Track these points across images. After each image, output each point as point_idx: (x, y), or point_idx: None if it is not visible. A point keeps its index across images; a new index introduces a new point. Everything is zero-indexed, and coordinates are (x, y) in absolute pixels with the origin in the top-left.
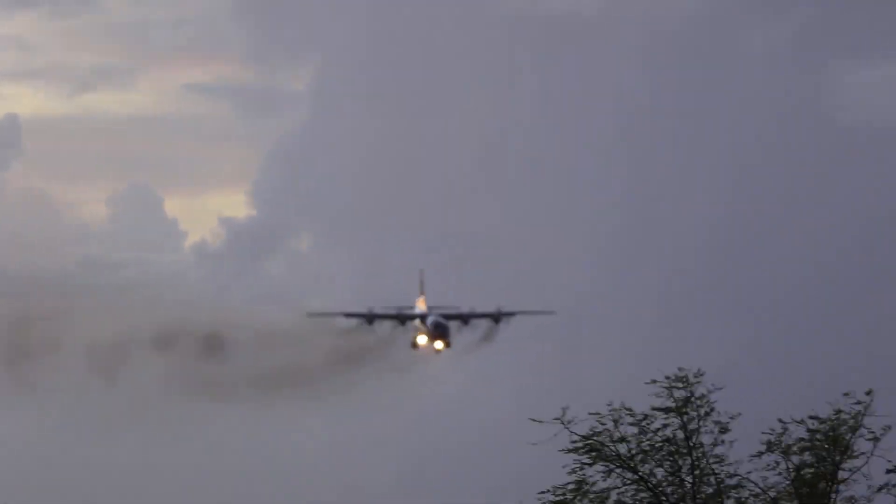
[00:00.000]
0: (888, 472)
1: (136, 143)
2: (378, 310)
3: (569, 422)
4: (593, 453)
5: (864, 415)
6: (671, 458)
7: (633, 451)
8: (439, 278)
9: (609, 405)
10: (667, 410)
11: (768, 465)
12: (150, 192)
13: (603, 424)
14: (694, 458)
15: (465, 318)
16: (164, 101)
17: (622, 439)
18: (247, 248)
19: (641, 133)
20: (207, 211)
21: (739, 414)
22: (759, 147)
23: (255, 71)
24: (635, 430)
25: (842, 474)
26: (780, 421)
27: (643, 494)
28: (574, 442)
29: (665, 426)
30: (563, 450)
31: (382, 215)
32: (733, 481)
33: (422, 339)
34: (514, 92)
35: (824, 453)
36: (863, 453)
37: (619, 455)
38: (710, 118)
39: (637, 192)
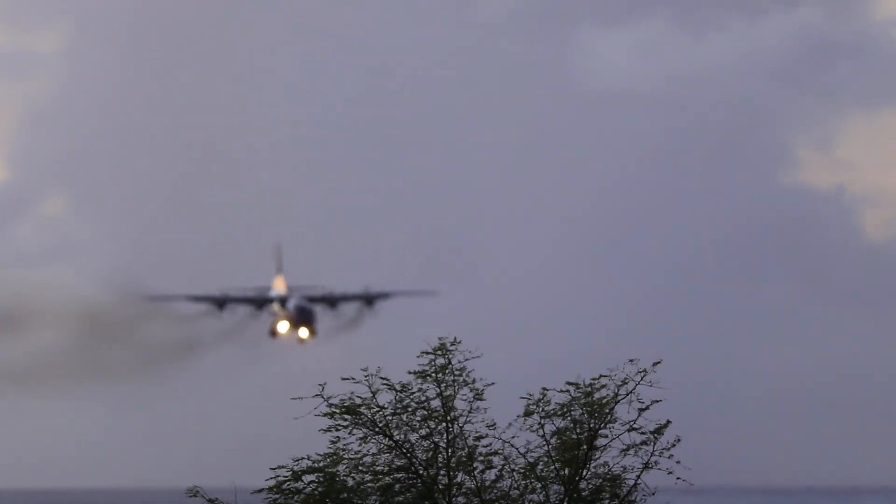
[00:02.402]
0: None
1: None
2: (230, 292)
3: (329, 397)
4: (349, 417)
5: (626, 384)
6: (426, 424)
7: (389, 418)
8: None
9: (364, 370)
10: (423, 376)
11: (529, 429)
12: None
13: (362, 395)
14: (448, 424)
15: (333, 301)
16: None
17: (380, 407)
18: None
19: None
20: None
21: (493, 383)
22: (507, 112)
23: (7, 32)
24: (391, 397)
25: (602, 441)
26: (544, 389)
27: (398, 461)
28: (331, 406)
29: (420, 391)
30: (318, 414)
31: (151, 181)
32: (488, 446)
33: (282, 327)
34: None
35: (583, 419)
36: (629, 421)
37: (374, 421)
38: (459, 83)
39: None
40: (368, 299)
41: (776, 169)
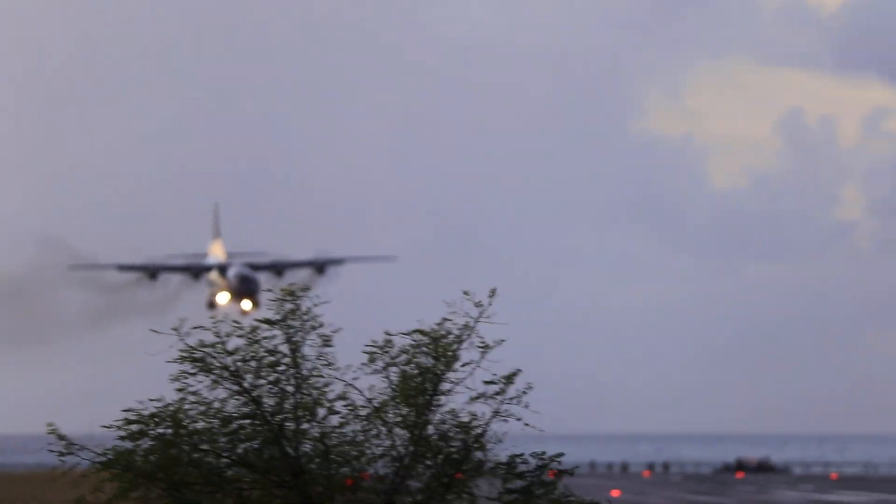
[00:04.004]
0: (485, 382)
1: None
2: (163, 260)
3: (186, 334)
4: (199, 364)
5: (468, 326)
6: (275, 370)
7: (240, 364)
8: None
9: (212, 318)
10: (270, 322)
11: (374, 373)
12: None
13: (216, 337)
14: (296, 369)
15: (279, 268)
16: None
17: (229, 352)
18: None
19: None
20: None
21: (341, 328)
22: (366, 58)
23: None
24: (243, 342)
25: (447, 386)
26: (387, 333)
27: (247, 406)
28: (182, 351)
29: (269, 338)
30: (170, 360)
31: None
32: (332, 392)
33: (222, 298)
34: None
35: (429, 363)
36: (470, 363)
37: (225, 367)
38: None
39: None
40: (319, 266)
41: (625, 117)
